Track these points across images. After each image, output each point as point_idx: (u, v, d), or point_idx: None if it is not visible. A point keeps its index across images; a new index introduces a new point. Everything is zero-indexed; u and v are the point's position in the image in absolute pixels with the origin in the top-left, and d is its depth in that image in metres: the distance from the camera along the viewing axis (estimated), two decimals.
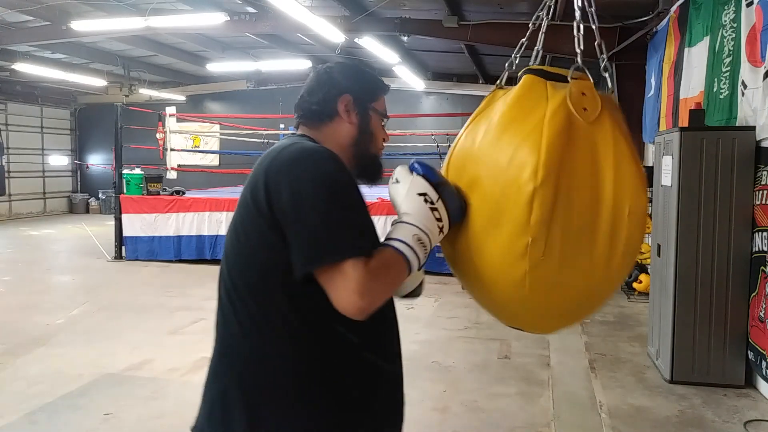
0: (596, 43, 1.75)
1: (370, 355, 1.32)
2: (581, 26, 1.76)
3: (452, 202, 1.36)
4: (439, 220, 1.32)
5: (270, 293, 1.26)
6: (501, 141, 1.44)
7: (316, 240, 1.18)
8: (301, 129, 1.45)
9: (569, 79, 1.52)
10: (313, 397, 1.24)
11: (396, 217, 1.34)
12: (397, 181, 1.36)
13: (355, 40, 9.03)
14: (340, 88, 1.41)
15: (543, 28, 1.83)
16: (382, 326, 1.36)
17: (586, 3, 1.79)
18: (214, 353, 1.44)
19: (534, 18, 1.84)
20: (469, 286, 1.62)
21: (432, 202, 1.31)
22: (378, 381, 1.34)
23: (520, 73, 1.59)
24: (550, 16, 1.85)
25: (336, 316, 1.20)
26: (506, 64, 1.79)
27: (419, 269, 1.33)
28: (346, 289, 1.16)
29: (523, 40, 1.83)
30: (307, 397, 1.24)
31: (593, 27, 1.72)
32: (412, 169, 1.37)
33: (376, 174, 1.47)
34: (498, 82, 1.69)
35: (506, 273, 1.41)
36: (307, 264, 1.18)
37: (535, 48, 1.85)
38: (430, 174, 1.35)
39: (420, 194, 1.31)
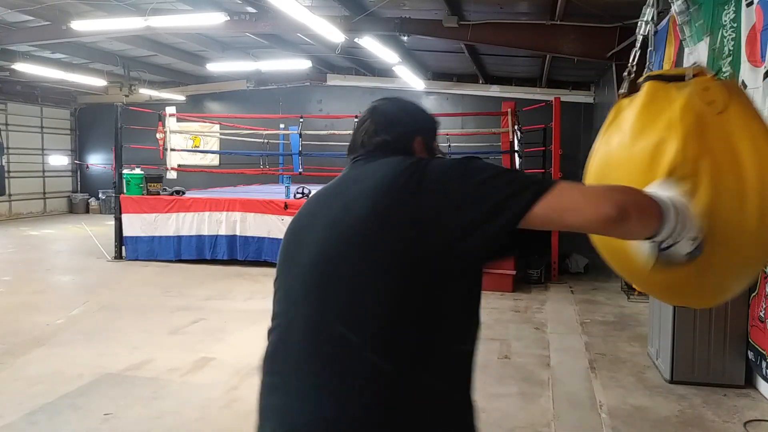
0: None
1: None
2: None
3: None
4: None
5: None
6: (636, 146, 1.56)
7: (523, 182, 1.16)
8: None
9: (687, 78, 1.59)
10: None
11: None
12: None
13: (355, 40, 9.03)
14: (414, 128, 1.44)
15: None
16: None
17: None
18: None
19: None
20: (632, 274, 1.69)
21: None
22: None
23: (640, 81, 1.68)
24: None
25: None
26: (624, 74, 1.91)
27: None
28: (583, 195, 1.14)
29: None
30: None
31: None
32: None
33: None
34: (621, 91, 1.80)
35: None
36: (528, 203, 1.12)
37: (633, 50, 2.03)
38: None
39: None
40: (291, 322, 1.26)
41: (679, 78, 1.60)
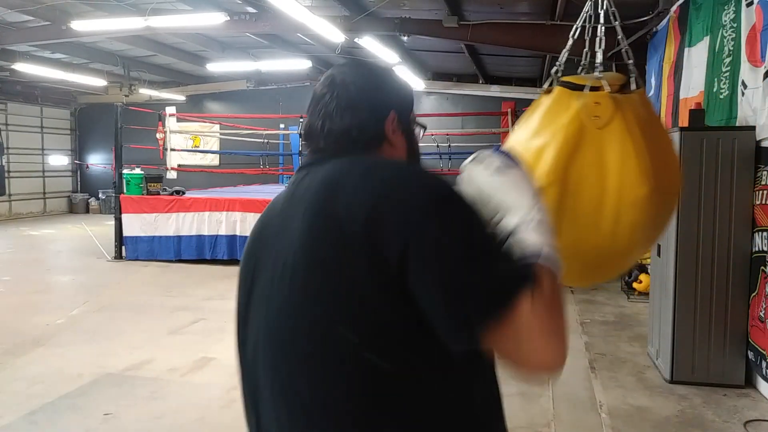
0: (623, 50, 2.08)
1: None
2: (602, 29, 2.11)
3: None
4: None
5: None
6: (529, 144, 1.79)
7: (476, 286, 0.86)
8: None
9: (585, 90, 1.80)
10: None
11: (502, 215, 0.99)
12: (499, 171, 1.01)
13: (355, 40, 9.03)
14: (384, 103, 1.09)
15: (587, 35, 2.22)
16: None
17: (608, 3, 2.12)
18: None
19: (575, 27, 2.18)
20: None
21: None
22: None
23: (552, 84, 1.92)
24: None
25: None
26: (553, 71, 2.04)
27: None
28: (531, 339, 0.86)
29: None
30: None
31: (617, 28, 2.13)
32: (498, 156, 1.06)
33: None
34: (546, 85, 1.98)
35: None
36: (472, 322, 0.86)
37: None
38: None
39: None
40: None
41: (580, 88, 1.80)
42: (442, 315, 0.87)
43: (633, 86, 1.87)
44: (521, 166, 1.04)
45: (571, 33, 2.12)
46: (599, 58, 1.95)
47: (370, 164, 1.02)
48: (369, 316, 0.89)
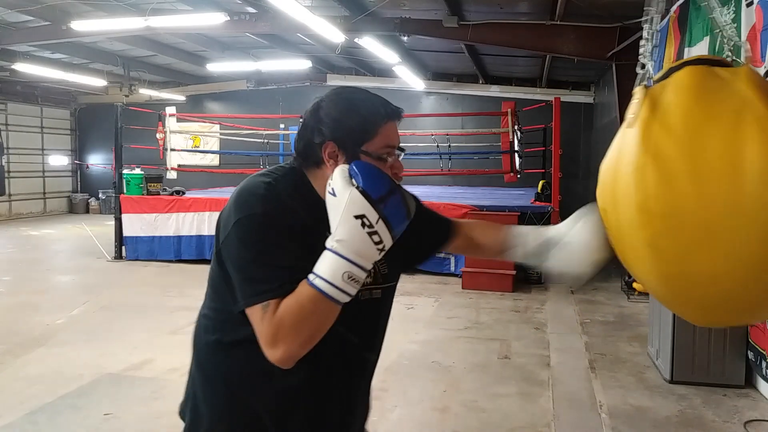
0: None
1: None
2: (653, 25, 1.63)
3: (397, 217, 1.15)
4: (379, 243, 1.12)
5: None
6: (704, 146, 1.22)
7: (240, 283, 1.21)
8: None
9: (734, 62, 1.36)
10: None
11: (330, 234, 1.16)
12: (334, 193, 1.14)
13: (355, 40, 9.03)
14: (323, 134, 1.26)
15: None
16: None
17: None
18: None
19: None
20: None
21: (371, 225, 1.10)
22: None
23: (670, 68, 1.39)
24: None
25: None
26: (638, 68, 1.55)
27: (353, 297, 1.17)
28: (260, 338, 1.16)
29: None
30: None
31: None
32: (351, 175, 1.15)
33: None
34: (640, 82, 1.46)
35: None
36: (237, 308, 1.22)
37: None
38: (371, 185, 1.13)
39: (357, 216, 1.10)
40: None
41: (722, 63, 1.34)
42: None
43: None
44: (369, 191, 1.13)
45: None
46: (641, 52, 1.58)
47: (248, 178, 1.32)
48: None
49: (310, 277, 1.13)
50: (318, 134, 1.27)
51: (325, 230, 1.15)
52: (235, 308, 1.20)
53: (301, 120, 1.34)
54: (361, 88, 1.40)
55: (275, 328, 1.13)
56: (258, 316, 1.15)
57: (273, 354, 1.14)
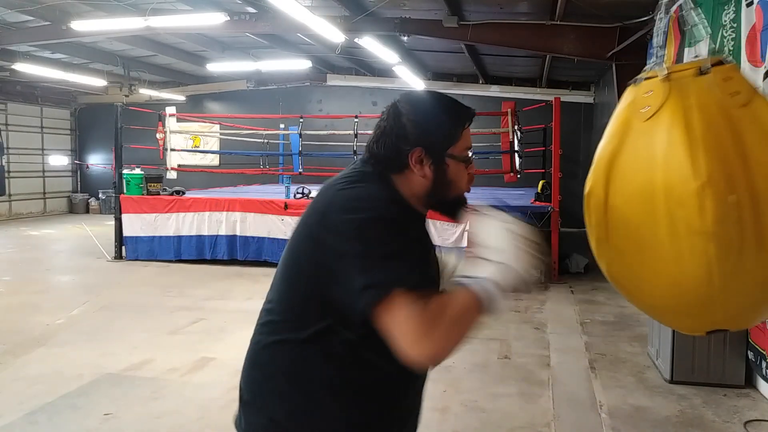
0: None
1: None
2: (665, 19, 1.77)
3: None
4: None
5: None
6: (600, 147, 1.65)
7: (365, 281, 1.14)
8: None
9: (639, 81, 1.59)
10: None
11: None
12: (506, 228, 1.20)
13: (355, 40, 9.03)
14: (410, 140, 1.27)
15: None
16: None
17: None
18: None
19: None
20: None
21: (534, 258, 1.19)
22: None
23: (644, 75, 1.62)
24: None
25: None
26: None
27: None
28: (403, 334, 1.10)
29: None
30: None
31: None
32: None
33: (458, 211, 1.37)
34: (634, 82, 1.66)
35: None
36: (362, 304, 1.14)
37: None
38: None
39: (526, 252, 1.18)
40: None
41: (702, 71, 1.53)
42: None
43: (709, 66, 1.53)
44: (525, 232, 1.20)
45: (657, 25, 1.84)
46: (655, 44, 1.71)
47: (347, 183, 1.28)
48: None
49: (477, 282, 1.15)
50: (404, 141, 1.28)
51: (416, 236, 1.26)
52: (357, 313, 1.14)
53: (381, 125, 1.32)
54: (432, 91, 1.43)
55: (428, 324, 1.09)
56: (399, 310, 1.10)
57: (419, 349, 1.09)
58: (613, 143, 1.56)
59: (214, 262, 8.66)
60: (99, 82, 13.59)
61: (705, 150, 1.39)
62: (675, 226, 1.41)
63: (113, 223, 9.27)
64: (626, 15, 6.93)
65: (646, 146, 1.48)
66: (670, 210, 1.42)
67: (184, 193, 9.43)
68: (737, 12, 4.27)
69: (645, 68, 1.65)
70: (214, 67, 12.69)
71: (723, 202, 1.36)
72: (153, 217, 8.95)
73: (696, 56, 2.00)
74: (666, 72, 1.52)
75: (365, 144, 1.38)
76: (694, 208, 1.38)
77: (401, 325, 1.10)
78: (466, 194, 1.38)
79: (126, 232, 9.05)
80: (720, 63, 1.54)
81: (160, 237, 8.94)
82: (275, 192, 10.06)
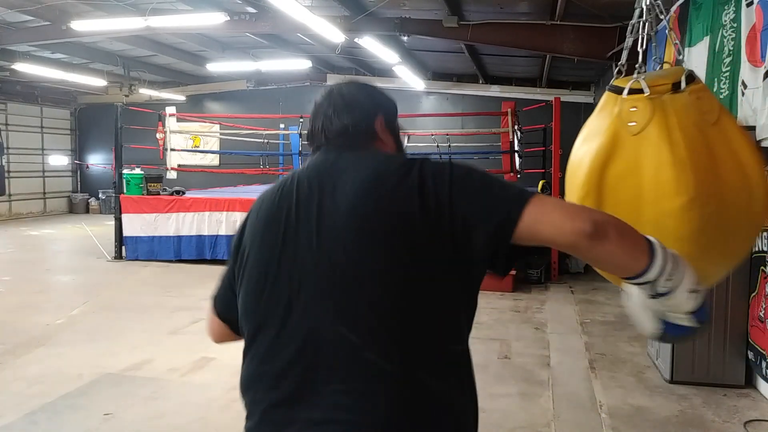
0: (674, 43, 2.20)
1: None
2: (646, 27, 2.01)
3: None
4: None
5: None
6: (578, 151, 1.88)
7: (507, 195, 1.14)
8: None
9: (624, 94, 1.77)
10: None
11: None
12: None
13: (355, 40, 9.03)
14: (373, 108, 1.35)
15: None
16: None
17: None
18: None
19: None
20: None
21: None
22: None
23: (608, 87, 1.87)
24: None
25: None
26: (616, 71, 2.01)
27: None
28: (561, 208, 1.13)
29: None
30: None
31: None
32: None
33: None
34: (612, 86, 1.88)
35: None
36: (512, 211, 1.10)
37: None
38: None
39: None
40: (300, 331, 1.15)
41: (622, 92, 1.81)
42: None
43: (683, 84, 1.74)
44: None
45: (628, 31, 2.04)
46: (640, 58, 1.90)
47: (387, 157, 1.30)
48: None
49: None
50: (365, 113, 1.34)
51: None
52: (509, 219, 1.10)
53: (329, 111, 1.34)
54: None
55: (601, 214, 1.16)
56: (551, 200, 1.15)
57: (581, 220, 1.09)
58: (605, 153, 1.75)
59: (214, 262, 8.66)
60: (99, 82, 13.59)
61: (690, 170, 1.63)
62: (661, 231, 1.50)
63: (113, 223, 9.27)
64: (626, 15, 6.89)
65: (635, 160, 1.70)
66: (658, 219, 1.64)
67: (184, 193, 9.43)
68: (737, 12, 4.27)
69: (633, 75, 1.84)
70: (214, 67, 12.69)
71: (704, 213, 1.62)
72: (153, 217, 8.95)
73: (661, 65, 2.22)
74: (649, 91, 1.73)
75: (313, 131, 1.36)
76: (680, 219, 1.63)
77: (557, 206, 1.14)
78: None
79: (126, 232, 9.05)
80: (690, 76, 1.77)
81: (160, 237, 8.94)
82: None
